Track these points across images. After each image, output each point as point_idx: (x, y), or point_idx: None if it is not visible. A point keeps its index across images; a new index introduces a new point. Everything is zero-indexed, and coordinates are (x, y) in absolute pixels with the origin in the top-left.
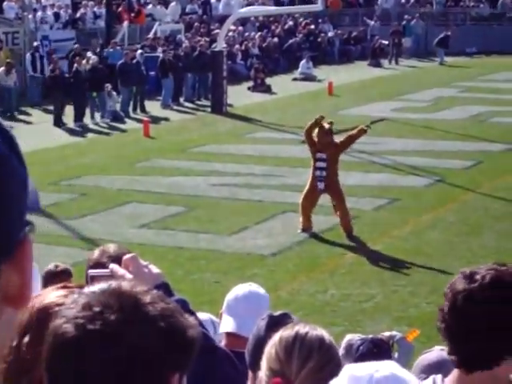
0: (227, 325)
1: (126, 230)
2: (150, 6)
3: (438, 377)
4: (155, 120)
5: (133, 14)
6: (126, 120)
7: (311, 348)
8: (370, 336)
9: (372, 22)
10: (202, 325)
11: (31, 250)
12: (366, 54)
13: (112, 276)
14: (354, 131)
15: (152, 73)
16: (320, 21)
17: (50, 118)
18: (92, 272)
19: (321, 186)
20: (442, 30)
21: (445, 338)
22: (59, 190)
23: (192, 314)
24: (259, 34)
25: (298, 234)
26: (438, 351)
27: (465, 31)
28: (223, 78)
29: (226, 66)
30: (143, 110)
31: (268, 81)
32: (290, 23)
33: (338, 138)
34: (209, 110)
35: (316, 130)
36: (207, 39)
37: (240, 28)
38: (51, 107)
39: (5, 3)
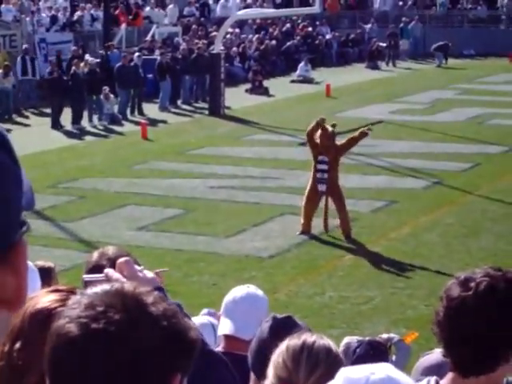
0: (225, 327)
1: (124, 233)
2: (148, 9)
3: (433, 379)
4: (153, 122)
5: (130, 17)
6: (124, 122)
7: (319, 357)
8: (367, 338)
9: (369, 25)
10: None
11: (26, 252)
12: (363, 57)
13: (107, 280)
14: (356, 134)
15: (150, 75)
16: (318, 23)
17: (48, 120)
18: (86, 277)
19: (322, 188)
20: (440, 32)
21: (440, 341)
22: (57, 193)
23: (187, 317)
24: (257, 36)
25: (296, 236)
26: (439, 353)
27: (462, 33)
28: (221, 81)
29: (224, 69)
30: (141, 113)
31: (266, 83)
32: (288, 25)
33: (338, 141)
34: (206, 112)
35: (318, 132)
36: (205, 42)
37: (236, 30)
38: (46, 110)
39: (2, 6)
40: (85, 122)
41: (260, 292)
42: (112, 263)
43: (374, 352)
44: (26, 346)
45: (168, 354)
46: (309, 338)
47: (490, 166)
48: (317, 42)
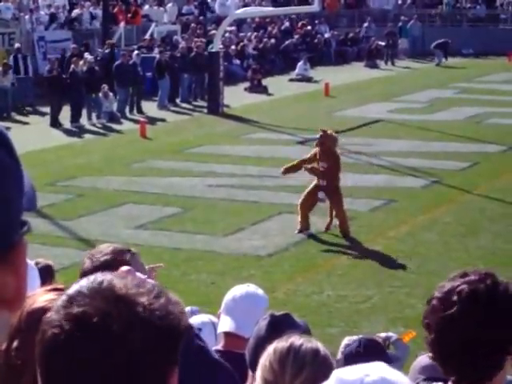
0: (225, 324)
1: (122, 231)
2: (147, 7)
3: None
4: (152, 121)
5: (129, 15)
6: (123, 121)
7: (305, 359)
8: (361, 336)
9: (365, 24)
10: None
11: (25, 253)
12: (362, 55)
13: None
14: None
15: (148, 74)
16: (317, 22)
17: (46, 118)
18: None
19: (321, 195)
20: (439, 31)
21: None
22: (56, 191)
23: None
24: (255, 34)
25: (295, 235)
26: None
27: (461, 32)
28: (219, 79)
29: (223, 67)
30: (140, 111)
31: (264, 82)
32: (287, 24)
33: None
34: (205, 110)
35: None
36: (204, 40)
37: (233, 28)
38: (41, 108)
39: (1, 4)
40: (83, 120)
41: (260, 291)
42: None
43: (365, 350)
44: (23, 345)
45: (164, 352)
46: (296, 340)
47: (488, 165)
48: (316, 40)
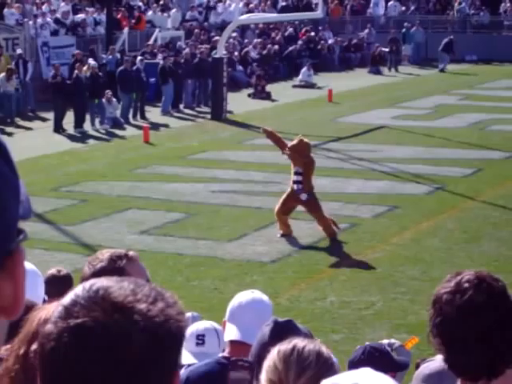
0: (231, 333)
1: (125, 236)
2: (151, 13)
3: None
4: (155, 126)
5: (133, 21)
6: (126, 126)
7: (308, 360)
8: (367, 343)
9: (366, 30)
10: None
11: (23, 261)
12: (366, 62)
13: None
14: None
15: (152, 79)
16: (320, 28)
17: (50, 124)
18: None
19: (303, 197)
20: (442, 37)
21: (441, 349)
22: (59, 196)
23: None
24: (259, 40)
25: (298, 241)
26: (440, 361)
27: (465, 39)
28: (223, 85)
29: (226, 73)
30: (143, 117)
31: (268, 88)
32: (290, 30)
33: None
34: (209, 116)
35: (294, 143)
36: (207, 46)
37: (235, 34)
38: (43, 113)
39: (5, 9)
40: (87, 126)
41: (265, 297)
42: (102, 274)
43: (370, 357)
44: None
45: (166, 358)
46: (300, 342)
47: (492, 171)
48: (319, 46)
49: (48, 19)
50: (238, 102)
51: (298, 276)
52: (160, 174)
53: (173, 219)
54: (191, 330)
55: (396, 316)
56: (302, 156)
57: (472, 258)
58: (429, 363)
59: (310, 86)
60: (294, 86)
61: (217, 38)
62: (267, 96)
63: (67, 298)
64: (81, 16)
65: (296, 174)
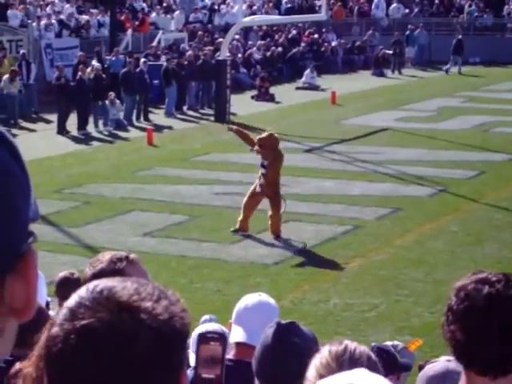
0: (237, 335)
1: (128, 238)
2: (154, 15)
3: None
4: (158, 128)
5: (137, 23)
6: (130, 128)
7: (361, 359)
8: (373, 344)
9: (369, 32)
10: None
11: (35, 262)
12: (369, 64)
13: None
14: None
15: (155, 81)
16: (324, 30)
17: (53, 126)
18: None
19: (259, 189)
20: (446, 39)
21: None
22: (62, 198)
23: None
24: (263, 42)
25: (301, 243)
26: (444, 362)
27: (468, 41)
28: (227, 87)
29: (230, 75)
30: (146, 119)
31: (271, 90)
32: (294, 32)
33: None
34: (212, 118)
35: (263, 136)
36: (211, 48)
37: (238, 36)
38: (46, 115)
39: (9, 11)
40: (90, 128)
41: (272, 300)
42: (102, 276)
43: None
44: None
45: (172, 356)
46: (350, 343)
47: (495, 174)
48: (323, 49)
49: (52, 21)
50: (242, 104)
51: (301, 278)
52: (163, 175)
53: (176, 221)
54: (199, 331)
55: (399, 318)
56: (270, 149)
57: (475, 260)
58: (433, 364)
59: (313, 88)
60: (298, 88)
61: (220, 39)
62: (271, 98)
63: (72, 300)
64: (85, 18)
65: (263, 166)
